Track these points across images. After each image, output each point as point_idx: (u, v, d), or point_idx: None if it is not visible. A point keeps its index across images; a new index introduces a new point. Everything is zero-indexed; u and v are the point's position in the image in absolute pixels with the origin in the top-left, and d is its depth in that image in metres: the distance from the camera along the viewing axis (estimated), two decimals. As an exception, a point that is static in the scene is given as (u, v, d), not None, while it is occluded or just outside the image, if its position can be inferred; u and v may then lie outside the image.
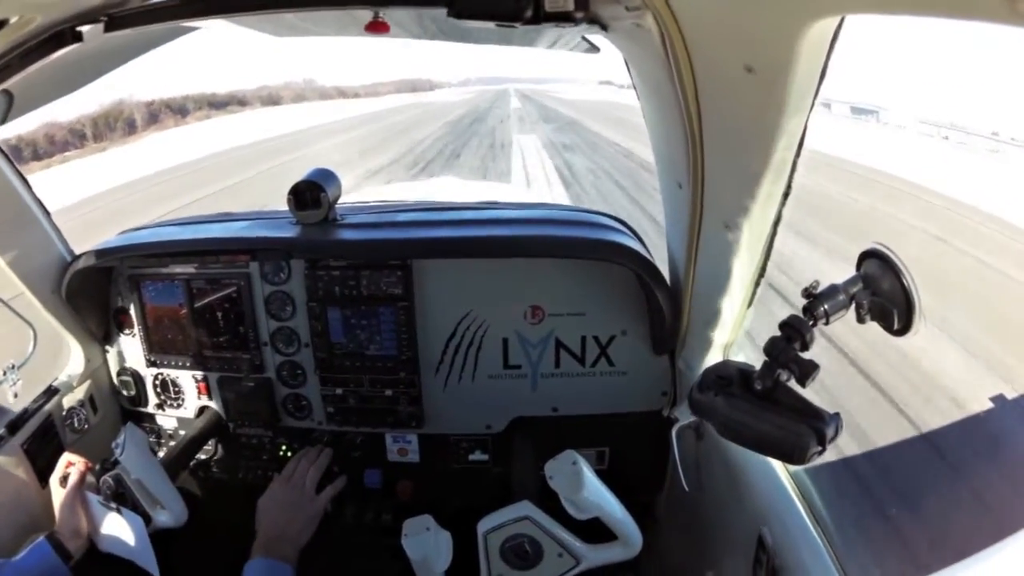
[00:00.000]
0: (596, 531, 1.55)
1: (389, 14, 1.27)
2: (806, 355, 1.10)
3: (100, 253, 2.06)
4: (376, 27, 1.27)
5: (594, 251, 1.86)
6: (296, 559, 1.75)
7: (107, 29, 1.37)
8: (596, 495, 1.48)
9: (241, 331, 2.16)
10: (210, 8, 1.37)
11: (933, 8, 0.64)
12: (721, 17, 0.94)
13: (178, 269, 2.14)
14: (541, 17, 0.92)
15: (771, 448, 1.13)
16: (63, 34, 1.33)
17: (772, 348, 1.10)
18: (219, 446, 2.32)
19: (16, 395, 1.95)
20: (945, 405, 5.35)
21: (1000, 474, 4.18)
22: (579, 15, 0.94)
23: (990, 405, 5.23)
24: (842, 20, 0.85)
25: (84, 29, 1.34)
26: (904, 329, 1.04)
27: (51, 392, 2.10)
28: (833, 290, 1.07)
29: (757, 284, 1.52)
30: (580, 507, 1.48)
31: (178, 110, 62.26)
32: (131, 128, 51.45)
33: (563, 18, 0.93)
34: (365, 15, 1.27)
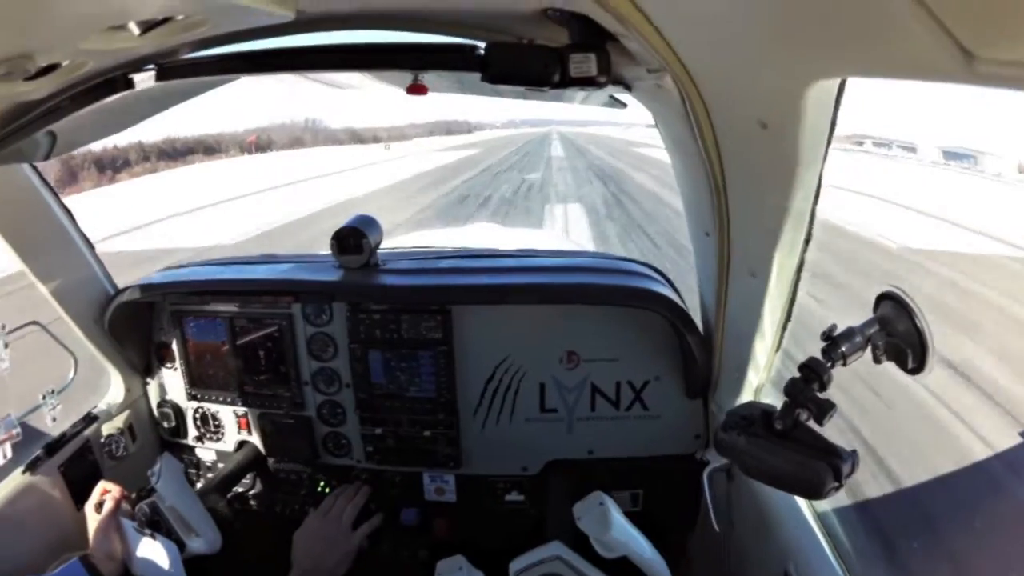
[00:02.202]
0: (627, 571, 1.56)
1: (427, 77, 1.37)
2: (824, 395, 1.14)
3: (144, 288, 2.15)
4: (416, 89, 1.36)
5: (629, 298, 1.91)
6: None
7: (158, 78, 1.43)
8: (623, 535, 1.50)
9: (282, 370, 2.21)
10: (256, 67, 1.43)
11: (896, 72, 0.71)
12: (734, 77, 1.02)
13: (220, 307, 2.21)
14: (567, 82, 1.01)
15: (790, 484, 1.17)
16: (115, 80, 1.38)
17: (791, 388, 1.15)
18: (257, 480, 2.36)
19: (55, 419, 1.99)
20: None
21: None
22: (602, 79, 1.02)
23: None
24: (844, 82, 0.92)
25: (136, 77, 1.40)
26: (918, 368, 1.07)
27: (90, 419, 2.16)
28: (850, 332, 1.11)
29: (784, 328, 1.55)
30: (608, 547, 1.50)
31: (109, 164, 52.34)
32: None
33: (588, 82, 1.01)
34: (405, 77, 1.37)
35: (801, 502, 1.54)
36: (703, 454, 1.94)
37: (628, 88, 1.16)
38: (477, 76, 1.13)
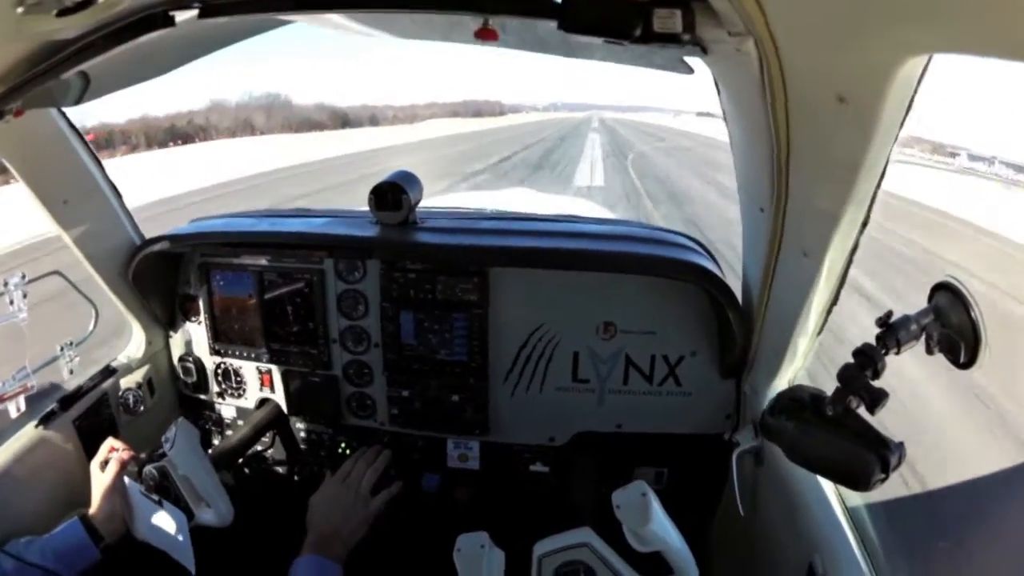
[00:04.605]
0: (650, 560, 1.48)
1: (498, 22, 1.29)
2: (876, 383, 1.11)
3: (173, 239, 2.11)
4: (485, 34, 1.29)
5: (672, 270, 1.86)
6: (345, 559, 1.73)
7: (201, 15, 1.33)
8: (662, 529, 1.42)
9: (310, 327, 2.19)
10: (311, 3, 1.34)
11: (997, 50, 0.67)
12: (820, 46, 0.97)
13: (250, 260, 2.18)
14: (650, 37, 0.97)
15: (836, 473, 1.16)
16: (154, 18, 1.29)
17: (845, 374, 1.12)
18: (276, 439, 2.35)
19: (72, 372, 1.96)
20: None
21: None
22: (686, 37, 0.98)
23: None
24: (929, 60, 0.88)
25: (177, 15, 1.31)
26: (969, 362, 1.04)
27: (108, 372, 2.15)
28: (906, 320, 1.09)
29: (829, 312, 1.52)
30: (643, 540, 1.42)
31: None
32: None
33: (670, 39, 0.97)
34: (474, 21, 1.29)
35: (830, 492, 1.52)
36: (732, 435, 1.92)
37: (704, 51, 1.11)
38: (549, 26, 1.08)
